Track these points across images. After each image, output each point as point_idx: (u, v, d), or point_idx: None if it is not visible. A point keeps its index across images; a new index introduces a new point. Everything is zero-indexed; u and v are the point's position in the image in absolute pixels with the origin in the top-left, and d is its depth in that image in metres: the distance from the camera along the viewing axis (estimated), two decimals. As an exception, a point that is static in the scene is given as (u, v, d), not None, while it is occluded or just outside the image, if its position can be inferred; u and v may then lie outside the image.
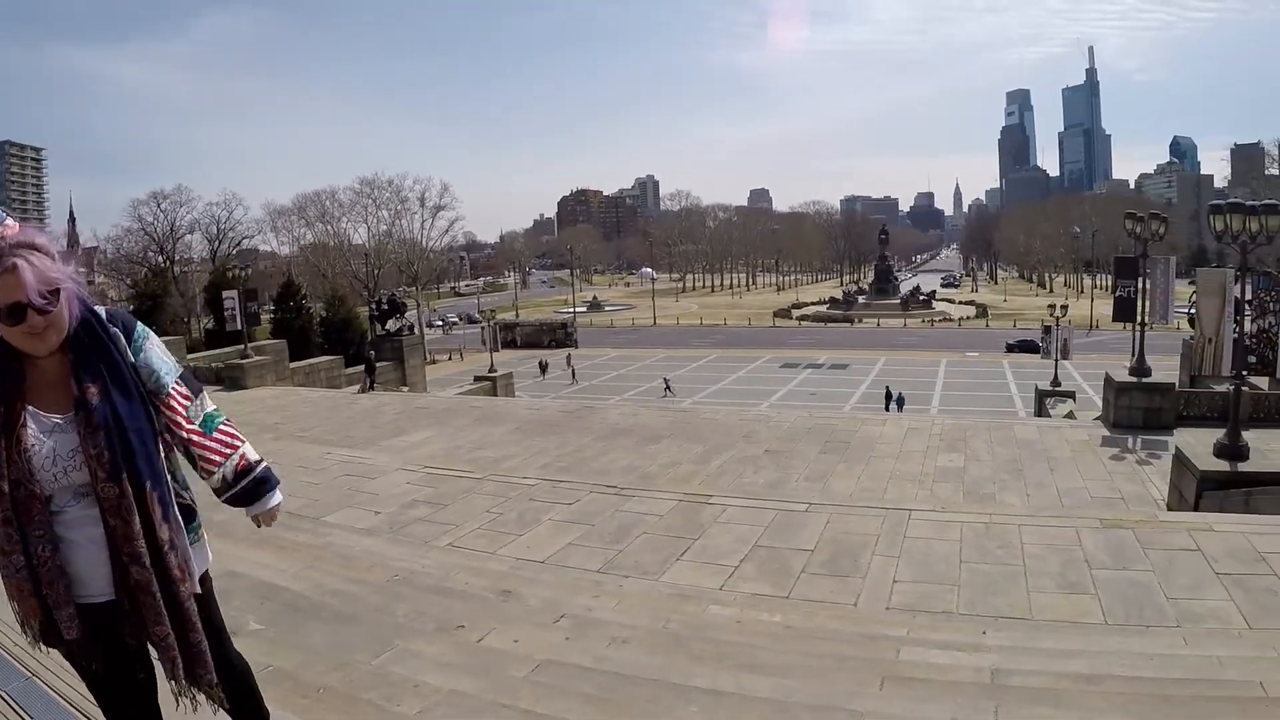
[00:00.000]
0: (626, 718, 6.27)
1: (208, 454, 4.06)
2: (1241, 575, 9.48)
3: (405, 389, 45.40)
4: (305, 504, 13.66)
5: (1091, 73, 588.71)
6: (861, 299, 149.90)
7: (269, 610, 8.39)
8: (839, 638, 8.13)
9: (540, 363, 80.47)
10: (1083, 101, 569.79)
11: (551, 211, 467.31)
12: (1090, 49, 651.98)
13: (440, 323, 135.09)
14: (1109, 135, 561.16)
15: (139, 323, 3.98)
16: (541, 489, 14.24)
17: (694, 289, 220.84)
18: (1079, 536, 11.01)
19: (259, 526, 4.41)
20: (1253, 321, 18.41)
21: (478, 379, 50.33)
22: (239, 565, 9.36)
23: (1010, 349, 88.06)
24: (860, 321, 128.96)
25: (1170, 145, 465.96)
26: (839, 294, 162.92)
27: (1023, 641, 8.03)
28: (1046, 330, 54.37)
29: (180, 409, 3.97)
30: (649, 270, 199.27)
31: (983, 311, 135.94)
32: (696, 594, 9.46)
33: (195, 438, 4.02)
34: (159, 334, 4.18)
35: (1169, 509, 16.24)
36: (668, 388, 67.19)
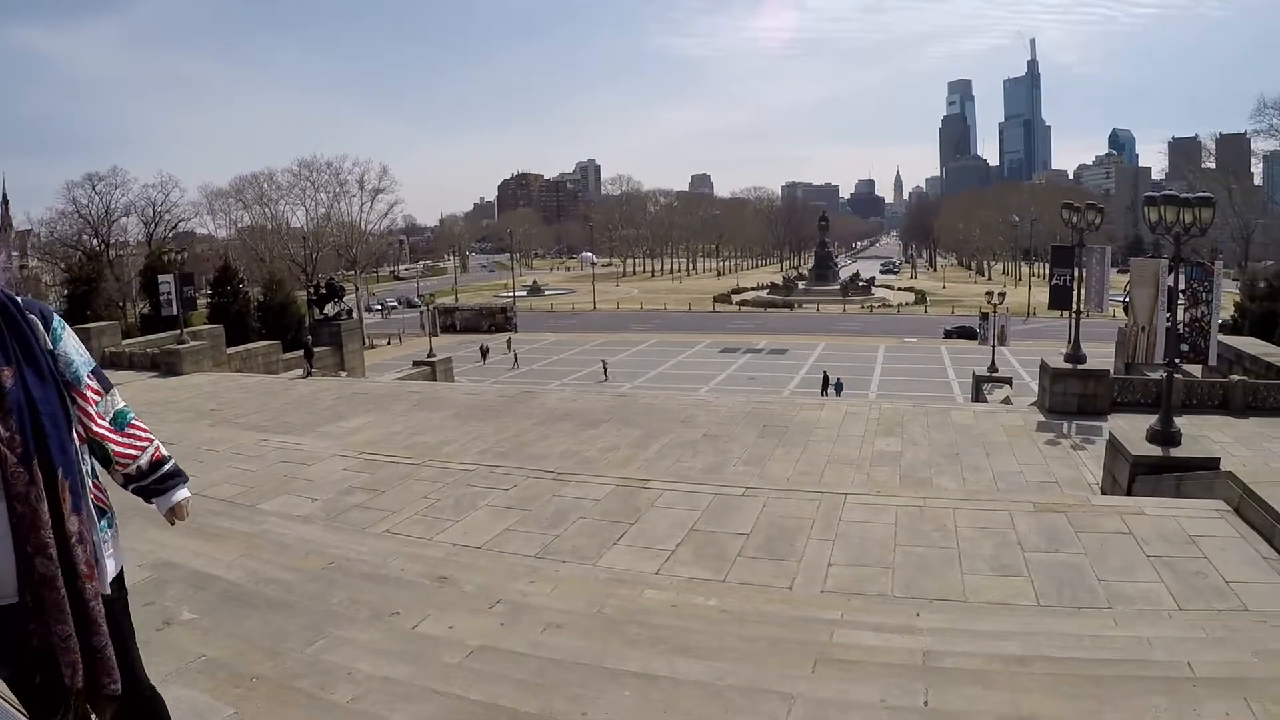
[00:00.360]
0: (559, 702, 6.23)
1: (120, 449, 3.99)
2: (1172, 558, 9.61)
3: (344, 374, 44.86)
4: (241, 491, 13.40)
5: (1033, 64, 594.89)
6: (801, 285, 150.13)
7: (203, 600, 8.28)
8: (774, 621, 8.11)
9: (481, 347, 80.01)
10: (1023, 93, 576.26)
11: (492, 195, 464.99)
12: (1032, 41, 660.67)
13: (379, 307, 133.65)
14: (1049, 126, 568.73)
15: (55, 314, 3.89)
16: (479, 474, 14.02)
17: (634, 274, 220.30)
18: (1013, 520, 11.05)
19: (172, 523, 4.24)
20: (1185, 310, 18.68)
21: (417, 364, 49.62)
22: (174, 555, 9.24)
23: (949, 335, 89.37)
24: (800, 307, 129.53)
25: (1109, 138, 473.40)
26: (779, 279, 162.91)
27: (956, 623, 8.04)
28: (984, 317, 54.85)
29: (92, 402, 3.90)
30: (589, 255, 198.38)
31: (921, 298, 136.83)
32: (632, 578, 9.40)
33: (107, 433, 3.95)
34: (93, 319, 4.10)
35: (1102, 493, 16.33)
36: (605, 372, 67.18)
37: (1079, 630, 7.80)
